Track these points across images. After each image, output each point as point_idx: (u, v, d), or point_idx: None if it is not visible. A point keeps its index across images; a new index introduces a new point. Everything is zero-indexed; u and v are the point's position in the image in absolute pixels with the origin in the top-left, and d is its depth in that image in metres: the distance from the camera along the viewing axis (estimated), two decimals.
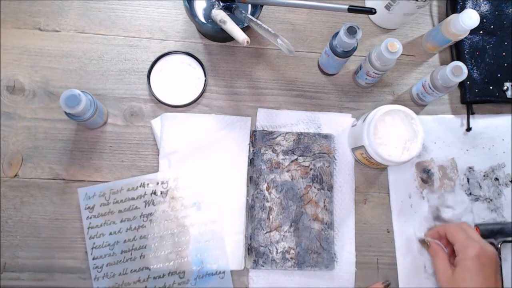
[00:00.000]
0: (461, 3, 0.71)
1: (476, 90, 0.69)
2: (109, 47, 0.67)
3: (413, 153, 0.59)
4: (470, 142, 0.69)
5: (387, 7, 0.67)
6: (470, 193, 0.67)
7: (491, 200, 0.67)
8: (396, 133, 0.60)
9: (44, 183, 0.62)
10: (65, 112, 0.56)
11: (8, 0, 0.66)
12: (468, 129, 0.69)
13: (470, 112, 0.69)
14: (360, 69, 0.66)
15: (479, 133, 0.69)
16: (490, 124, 0.70)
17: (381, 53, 0.59)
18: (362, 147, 0.59)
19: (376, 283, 0.62)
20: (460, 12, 0.65)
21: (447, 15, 0.73)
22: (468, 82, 0.69)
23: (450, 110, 0.71)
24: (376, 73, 0.63)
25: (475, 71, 0.69)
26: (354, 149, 0.64)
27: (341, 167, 0.66)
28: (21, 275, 0.59)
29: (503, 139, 0.69)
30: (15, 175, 0.62)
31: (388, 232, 0.66)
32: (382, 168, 0.67)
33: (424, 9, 0.73)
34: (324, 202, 0.64)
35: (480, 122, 0.70)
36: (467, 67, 0.62)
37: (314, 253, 0.62)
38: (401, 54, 0.60)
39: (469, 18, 0.61)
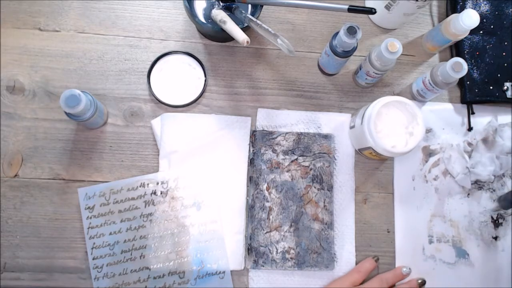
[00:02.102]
0: (461, 3, 0.71)
1: (476, 90, 0.69)
2: (109, 47, 0.67)
3: (418, 136, 0.58)
4: (468, 132, 0.69)
5: (387, 7, 0.67)
6: (476, 181, 0.67)
7: (494, 190, 0.68)
8: (396, 122, 0.60)
9: (44, 183, 0.62)
10: (65, 112, 0.56)
11: (8, 0, 0.66)
12: (470, 129, 0.69)
13: (470, 112, 0.69)
14: (360, 69, 0.66)
15: (480, 132, 0.69)
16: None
17: (381, 53, 0.59)
18: (370, 147, 0.60)
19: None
20: (460, 12, 0.65)
21: (447, 15, 0.73)
22: (468, 82, 0.69)
23: (448, 101, 0.71)
24: (376, 73, 0.63)
25: (475, 71, 0.69)
26: (361, 150, 0.64)
27: (341, 167, 0.66)
28: (21, 275, 0.59)
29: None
30: (15, 175, 0.62)
31: (388, 232, 0.66)
32: (389, 158, 0.67)
33: (424, 9, 0.73)
34: (324, 202, 0.64)
35: (480, 121, 0.70)
36: (467, 66, 0.62)
37: (314, 253, 0.62)
38: (401, 54, 0.60)
39: (469, 18, 0.61)
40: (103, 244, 0.60)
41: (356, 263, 0.64)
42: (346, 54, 0.61)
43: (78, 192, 0.61)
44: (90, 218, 0.60)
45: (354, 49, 0.61)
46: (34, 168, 0.62)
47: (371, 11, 0.54)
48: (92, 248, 0.60)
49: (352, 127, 0.65)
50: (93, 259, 0.59)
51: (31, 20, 0.66)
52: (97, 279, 0.59)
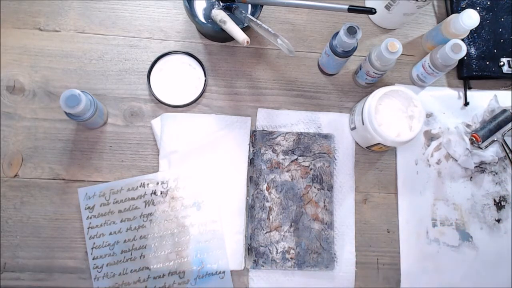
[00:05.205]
0: None
1: (473, 65, 0.70)
2: (109, 47, 0.67)
3: (419, 117, 0.59)
4: (468, 116, 0.70)
5: (387, 7, 0.67)
6: (479, 164, 0.68)
7: (496, 173, 0.69)
8: (394, 110, 0.61)
9: (44, 183, 0.62)
10: (65, 112, 0.56)
11: (8, 0, 0.66)
12: (466, 103, 0.69)
13: (467, 87, 0.70)
14: (360, 69, 0.66)
15: (476, 107, 0.70)
16: (487, 98, 0.71)
17: (381, 53, 0.59)
18: (379, 143, 0.60)
19: None
20: (460, 12, 0.65)
21: (447, 15, 0.73)
22: (465, 58, 0.70)
23: (447, 85, 0.72)
24: (376, 73, 0.63)
25: (472, 46, 0.70)
26: (370, 147, 0.65)
27: (341, 167, 0.66)
28: (21, 275, 0.59)
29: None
30: (15, 175, 0.61)
31: (388, 232, 0.66)
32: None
33: (424, 9, 0.73)
34: (324, 202, 0.64)
35: (481, 105, 0.71)
36: (464, 43, 0.63)
37: (314, 253, 0.62)
38: (401, 54, 0.60)
39: (469, 18, 0.62)
40: (103, 244, 0.60)
41: (356, 263, 0.64)
42: (346, 54, 0.61)
43: (78, 192, 0.61)
44: (90, 218, 0.60)
45: (354, 49, 0.61)
46: (34, 168, 0.62)
47: (371, 11, 0.54)
48: (92, 248, 0.60)
49: (353, 129, 0.65)
50: (93, 259, 0.59)
51: (31, 20, 0.66)
52: (97, 279, 0.59)
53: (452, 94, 0.71)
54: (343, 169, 0.66)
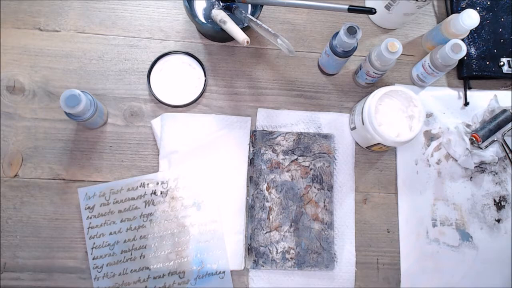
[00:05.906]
0: None
1: (473, 65, 0.70)
2: (109, 47, 0.67)
3: (419, 117, 0.59)
4: (468, 116, 0.70)
5: (387, 7, 0.67)
6: (479, 164, 0.68)
7: (496, 173, 0.69)
8: (394, 110, 0.61)
9: (44, 183, 0.62)
10: (65, 112, 0.56)
11: (8, 0, 0.66)
12: (466, 103, 0.70)
13: (467, 87, 0.70)
14: (360, 69, 0.66)
15: (476, 107, 0.70)
16: (487, 98, 0.71)
17: (381, 53, 0.59)
18: (379, 143, 0.60)
19: None
20: (460, 12, 0.65)
21: (447, 15, 0.73)
22: (465, 58, 0.70)
23: (447, 85, 0.72)
24: (376, 73, 0.63)
25: (472, 46, 0.70)
26: (370, 147, 0.65)
27: (341, 167, 0.66)
28: (21, 275, 0.59)
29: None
30: (15, 175, 0.61)
31: (388, 232, 0.66)
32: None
33: (424, 9, 0.73)
34: (324, 202, 0.64)
35: (481, 105, 0.71)
36: (464, 43, 0.63)
37: (314, 253, 0.62)
38: (401, 54, 0.60)
39: (469, 18, 0.62)
40: (103, 244, 0.60)
41: (356, 263, 0.64)
42: (346, 54, 0.61)
43: (78, 192, 0.61)
44: (90, 218, 0.60)
45: (354, 49, 0.61)
46: (34, 168, 0.62)
47: (371, 11, 0.54)
48: (92, 248, 0.60)
49: (353, 128, 0.65)
50: (93, 259, 0.59)
51: (31, 20, 0.66)
52: (97, 279, 0.59)
53: (452, 94, 0.71)
54: (343, 169, 0.66)
